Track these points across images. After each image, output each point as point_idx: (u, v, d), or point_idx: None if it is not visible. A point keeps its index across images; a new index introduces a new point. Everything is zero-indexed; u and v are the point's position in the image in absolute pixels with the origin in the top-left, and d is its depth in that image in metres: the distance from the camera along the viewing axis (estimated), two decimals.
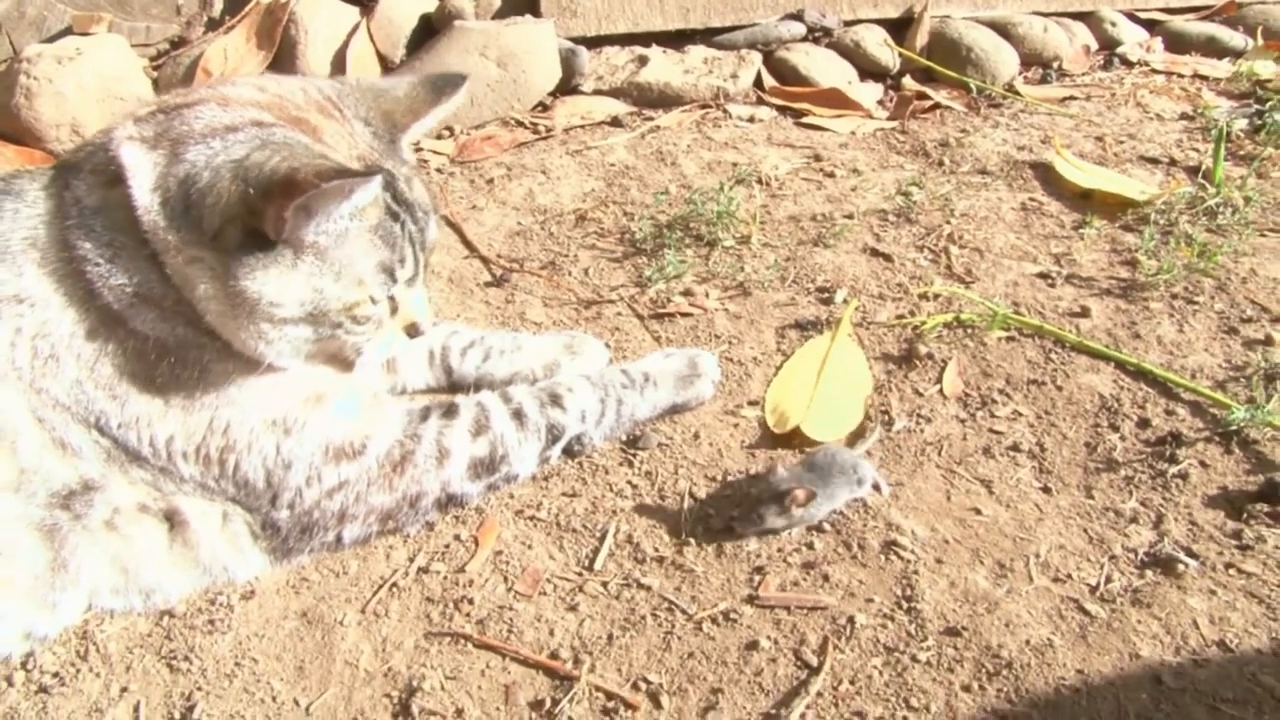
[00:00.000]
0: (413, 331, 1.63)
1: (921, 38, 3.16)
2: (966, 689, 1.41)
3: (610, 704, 1.41)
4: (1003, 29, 3.18)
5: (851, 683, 1.42)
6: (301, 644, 1.52)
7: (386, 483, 1.64)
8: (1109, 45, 3.34)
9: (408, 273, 1.54)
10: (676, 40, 3.15)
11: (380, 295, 1.51)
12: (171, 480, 1.55)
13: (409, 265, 1.54)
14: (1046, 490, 1.73)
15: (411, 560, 1.63)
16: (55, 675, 1.49)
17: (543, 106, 2.99)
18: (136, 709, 1.44)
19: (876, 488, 1.69)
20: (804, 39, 3.18)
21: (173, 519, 1.56)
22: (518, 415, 1.74)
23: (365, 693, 1.44)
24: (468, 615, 1.54)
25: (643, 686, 1.43)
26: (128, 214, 1.45)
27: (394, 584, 1.59)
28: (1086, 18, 3.35)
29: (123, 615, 1.56)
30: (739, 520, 1.63)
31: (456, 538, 1.67)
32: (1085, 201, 2.50)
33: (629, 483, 1.76)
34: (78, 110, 2.82)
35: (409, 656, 1.49)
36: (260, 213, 1.37)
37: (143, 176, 1.44)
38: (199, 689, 1.46)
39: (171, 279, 1.46)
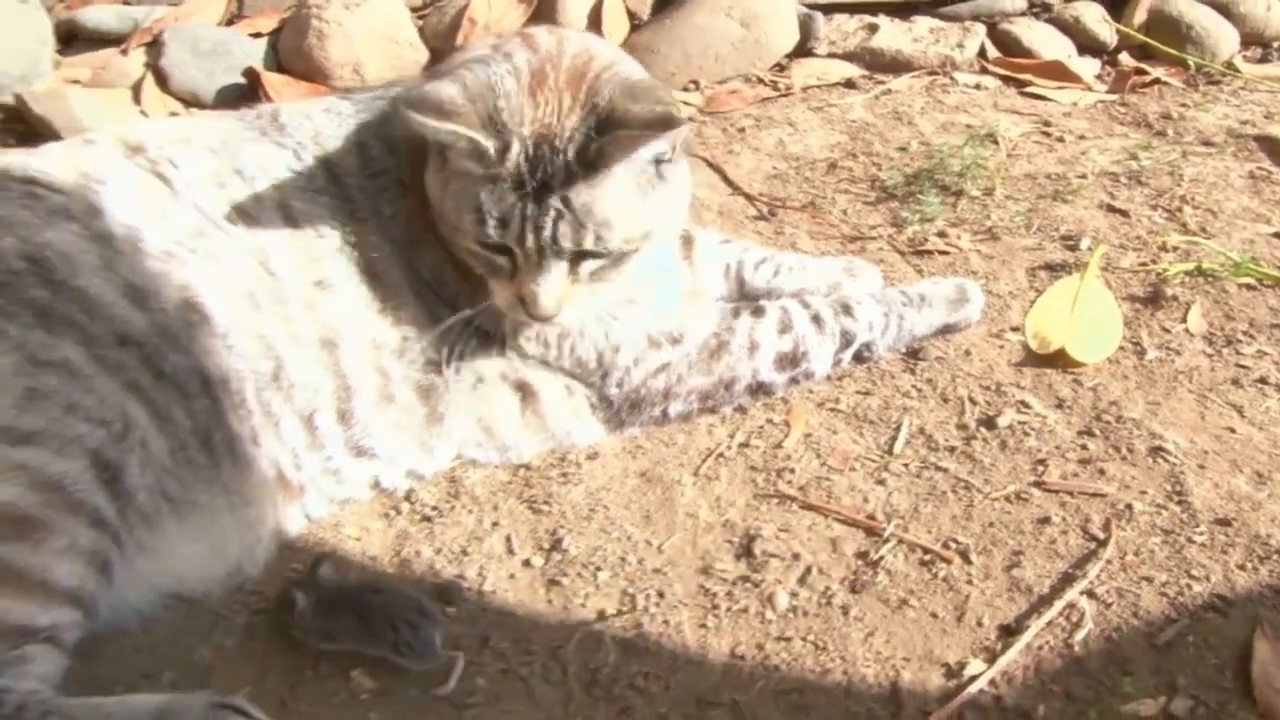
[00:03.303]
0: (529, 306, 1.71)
1: (1140, 15, 3.34)
2: (1240, 567, 1.63)
3: (926, 557, 1.67)
4: (1223, 7, 3.33)
5: (1135, 554, 1.66)
6: (645, 497, 1.81)
7: (705, 366, 1.93)
8: None
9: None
10: (902, 10, 3.38)
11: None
12: (519, 356, 1.87)
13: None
14: None
15: (732, 437, 1.91)
16: (434, 508, 1.81)
17: (779, 66, 3.26)
18: (509, 539, 1.75)
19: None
20: (1024, 13, 3.38)
21: (524, 389, 1.88)
22: (816, 320, 2.01)
23: (708, 538, 1.73)
24: (789, 482, 1.82)
25: (952, 545, 1.69)
26: None
27: (720, 454, 1.88)
28: None
29: (483, 466, 1.88)
30: None
31: (769, 421, 1.95)
32: None
33: (914, 387, 2.02)
34: (361, 52, 3.17)
35: (742, 512, 1.77)
36: None
37: None
38: (561, 527, 1.76)
39: None
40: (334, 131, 1.88)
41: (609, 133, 1.62)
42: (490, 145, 1.61)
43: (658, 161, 1.71)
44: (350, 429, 1.76)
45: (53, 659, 1.44)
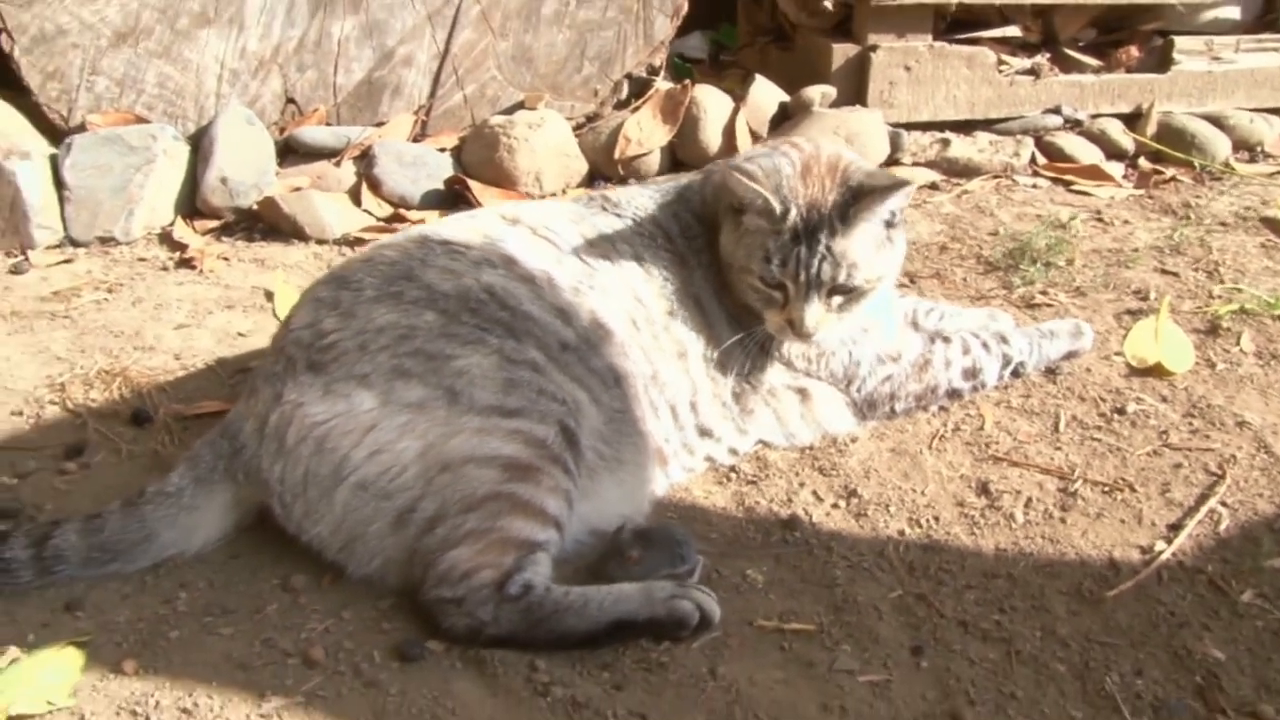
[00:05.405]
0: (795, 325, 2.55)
1: (1151, 128, 4.46)
2: None
3: (1106, 489, 2.61)
4: (1216, 121, 4.48)
5: (1246, 482, 2.62)
6: (899, 463, 2.72)
7: (917, 376, 2.85)
8: None
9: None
10: (963, 128, 4.47)
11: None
12: (791, 371, 2.78)
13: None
14: None
15: (945, 425, 2.84)
16: (754, 476, 2.68)
17: None
18: (815, 493, 2.64)
19: (691, 573, 2.27)
20: (1061, 128, 4.50)
21: (802, 393, 2.79)
22: (985, 346, 2.97)
23: (953, 486, 2.64)
24: (995, 450, 2.75)
25: (1121, 482, 2.63)
26: None
27: (941, 436, 2.81)
28: None
29: (775, 449, 2.77)
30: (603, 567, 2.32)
31: (967, 415, 2.88)
32: None
33: (1059, 392, 2.97)
34: (542, 163, 4.12)
35: (970, 469, 2.69)
36: None
37: None
38: (849, 483, 2.65)
39: None
40: (651, 207, 2.79)
41: (861, 199, 2.50)
42: (777, 207, 2.53)
43: (889, 225, 2.63)
44: (698, 417, 2.65)
45: (547, 564, 2.25)
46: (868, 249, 2.56)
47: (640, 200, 2.82)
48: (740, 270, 2.61)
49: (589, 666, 2.11)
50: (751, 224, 2.57)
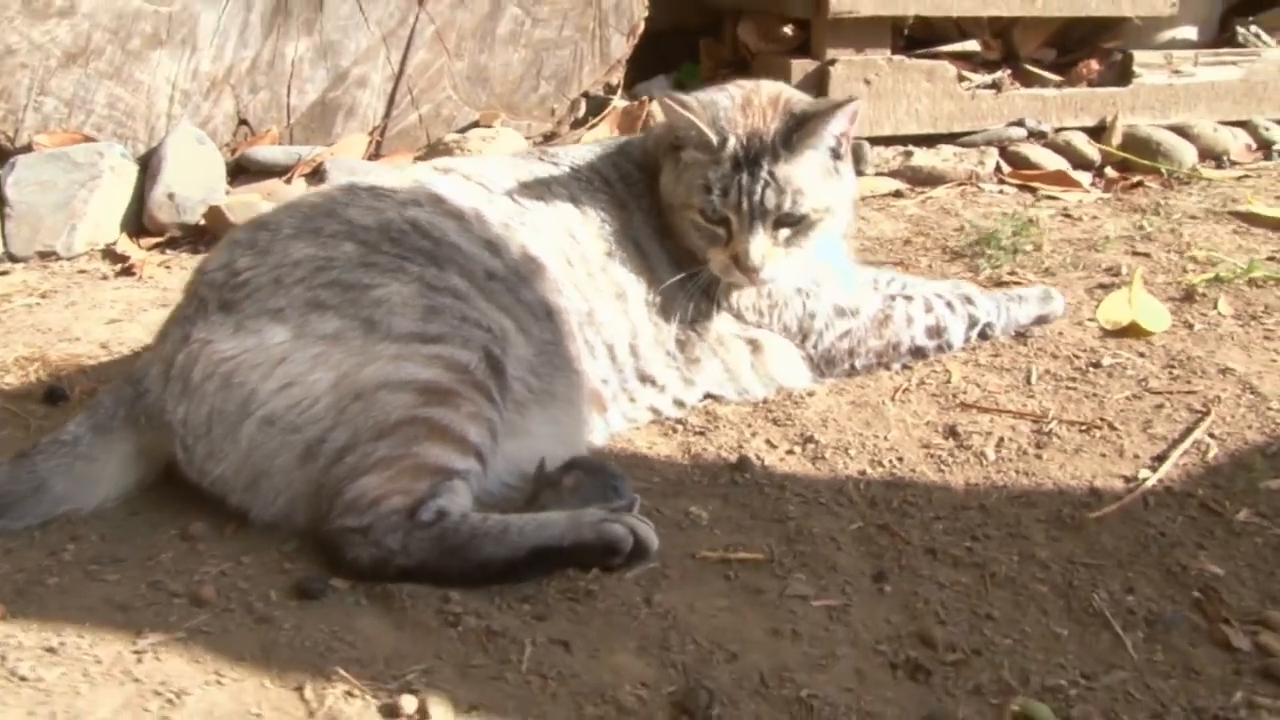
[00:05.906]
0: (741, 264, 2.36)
1: (1116, 138, 4.31)
2: None
3: (1083, 428, 2.36)
4: (1181, 131, 4.33)
5: (1233, 417, 2.37)
6: (860, 414, 2.47)
7: (877, 332, 2.62)
8: (1264, 145, 4.47)
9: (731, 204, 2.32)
10: (926, 142, 4.31)
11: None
12: (741, 322, 2.55)
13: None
14: None
15: (909, 380, 2.60)
16: (702, 428, 2.44)
17: None
18: (769, 440, 2.38)
19: (628, 509, 2.00)
20: (1026, 140, 4.34)
21: (753, 344, 2.55)
22: (949, 305, 2.74)
23: (918, 431, 2.39)
24: (963, 398, 2.50)
25: (1099, 422, 2.38)
26: None
27: (905, 389, 2.56)
28: (1244, 124, 4.53)
29: (727, 403, 2.52)
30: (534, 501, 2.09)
31: (932, 371, 2.64)
32: None
33: (1030, 352, 2.73)
34: None
35: (936, 416, 2.44)
36: None
37: None
38: (806, 431, 2.40)
39: None
40: (590, 157, 2.61)
41: (805, 124, 2.35)
42: (714, 137, 2.35)
43: (835, 156, 2.45)
44: (639, 361, 2.41)
45: (466, 495, 1.98)
46: (814, 176, 2.37)
47: (579, 152, 2.66)
48: (681, 208, 2.41)
49: (509, 599, 1.86)
50: (690, 158, 2.39)
